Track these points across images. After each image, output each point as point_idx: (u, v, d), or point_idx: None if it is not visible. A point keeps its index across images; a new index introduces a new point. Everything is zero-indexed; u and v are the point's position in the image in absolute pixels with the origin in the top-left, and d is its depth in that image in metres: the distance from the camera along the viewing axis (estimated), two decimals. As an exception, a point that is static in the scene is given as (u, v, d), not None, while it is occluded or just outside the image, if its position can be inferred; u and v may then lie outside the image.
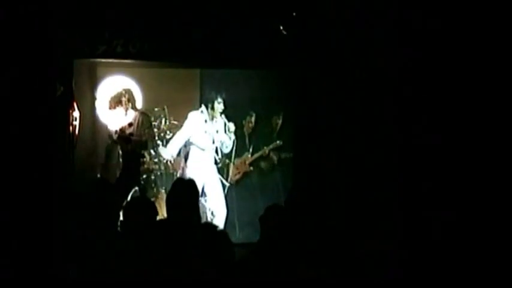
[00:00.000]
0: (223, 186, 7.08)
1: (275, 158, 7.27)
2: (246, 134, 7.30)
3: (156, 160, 7.09)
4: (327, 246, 3.79)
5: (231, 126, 6.85)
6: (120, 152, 6.43)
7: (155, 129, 6.96)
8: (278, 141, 7.20)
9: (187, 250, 3.45)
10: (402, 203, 5.03)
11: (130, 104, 6.46)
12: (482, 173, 4.47)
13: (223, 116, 6.85)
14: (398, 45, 5.16)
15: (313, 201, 4.10)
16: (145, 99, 6.88)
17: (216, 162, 7.00)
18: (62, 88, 5.40)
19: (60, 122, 5.38)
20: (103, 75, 6.63)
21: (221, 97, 6.75)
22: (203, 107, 6.84)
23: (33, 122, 4.74)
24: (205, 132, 6.83)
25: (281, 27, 5.86)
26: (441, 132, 4.78)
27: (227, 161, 7.26)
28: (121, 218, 4.14)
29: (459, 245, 4.38)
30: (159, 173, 7.10)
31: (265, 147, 7.24)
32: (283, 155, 7.20)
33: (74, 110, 5.67)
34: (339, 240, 3.89)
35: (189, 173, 6.84)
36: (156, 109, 6.98)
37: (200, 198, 6.77)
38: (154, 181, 6.99)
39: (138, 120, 6.40)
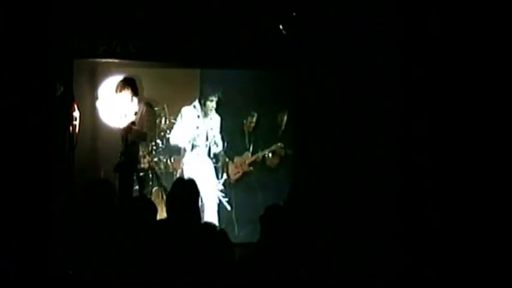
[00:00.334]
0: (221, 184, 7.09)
1: (276, 157, 7.27)
2: (247, 133, 7.29)
3: (156, 159, 7.09)
4: (327, 246, 3.80)
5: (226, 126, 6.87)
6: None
7: (155, 128, 6.97)
8: (279, 144, 7.19)
9: (187, 250, 3.46)
10: (402, 203, 5.03)
11: (134, 92, 6.41)
12: (482, 173, 4.47)
13: (216, 114, 6.85)
14: (399, 44, 5.17)
15: (313, 201, 4.10)
16: (146, 99, 6.87)
17: (212, 159, 7.01)
18: (62, 88, 5.40)
19: (60, 122, 5.37)
20: (103, 75, 6.62)
21: (215, 95, 6.76)
22: (196, 102, 6.85)
23: (33, 122, 4.73)
24: (197, 128, 6.83)
25: (281, 27, 5.86)
26: (442, 132, 4.79)
27: (226, 159, 7.26)
28: (121, 217, 4.15)
29: (459, 246, 4.39)
30: (159, 172, 7.10)
31: (262, 151, 7.24)
32: (284, 155, 7.20)
33: (74, 110, 5.66)
34: (338, 240, 3.90)
35: (185, 172, 6.86)
36: (156, 108, 6.98)
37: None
38: (152, 179, 6.99)
39: (142, 110, 6.38)
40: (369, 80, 5.65)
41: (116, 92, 6.24)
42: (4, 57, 4.73)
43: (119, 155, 6.13)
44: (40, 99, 4.76)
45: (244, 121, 7.22)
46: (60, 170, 5.14)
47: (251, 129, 7.26)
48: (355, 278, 3.66)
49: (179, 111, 6.91)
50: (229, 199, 7.15)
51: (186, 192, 4.02)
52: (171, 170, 7.14)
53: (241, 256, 3.71)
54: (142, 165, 6.72)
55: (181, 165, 7.00)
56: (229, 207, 7.09)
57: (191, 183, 4.21)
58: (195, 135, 6.86)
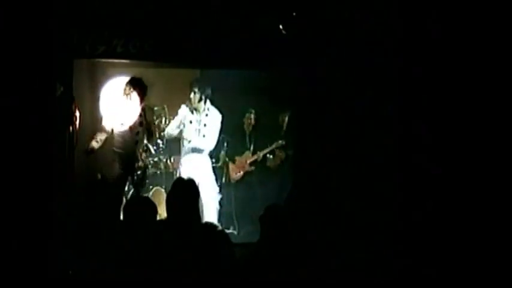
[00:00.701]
0: (218, 183, 7.08)
1: (277, 157, 7.27)
2: (247, 132, 7.30)
3: (156, 159, 7.10)
4: (327, 246, 3.80)
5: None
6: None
7: (156, 128, 6.98)
8: (280, 141, 7.19)
9: (187, 250, 3.46)
10: (402, 203, 5.03)
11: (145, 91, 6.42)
12: (482, 172, 4.47)
13: (215, 111, 6.86)
14: (399, 44, 5.17)
15: (313, 201, 4.11)
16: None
17: (212, 159, 7.01)
18: (62, 88, 5.40)
19: (60, 122, 5.38)
20: (103, 75, 6.63)
21: (196, 86, 6.73)
22: (187, 101, 6.83)
23: (33, 122, 4.73)
24: (191, 122, 6.80)
25: (281, 27, 5.85)
26: (442, 132, 4.79)
27: (226, 159, 7.26)
28: (121, 217, 4.15)
29: (459, 247, 4.39)
30: (158, 172, 7.11)
31: (262, 150, 7.24)
32: (285, 155, 7.20)
33: (74, 110, 5.67)
34: (338, 240, 3.91)
35: (182, 170, 6.85)
36: (156, 108, 6.98)
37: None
38: (148, 178, 7.01)
39: (145, 112, 6.41)
40: (369, 80, 5.64)
41: (124, 93, 6.25)
42: (4, 57, 4.73)
43: (127, 155, 6.17)
44: (40, 99, 4.76)
45: (244, 120, 7.22)
46: (60, 170, 5.15)
47: (251, 128, 7.26)
48: (355, 277, 3.67)
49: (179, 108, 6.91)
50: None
51: (186, 192, 4.02)
52: (171, 170, 7.15)
53: (241, 256, 3.71)
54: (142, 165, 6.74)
55: (179, 163, 7.00)
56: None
57: (191, 183, 4.21)
58: (187, 130, 6.83)
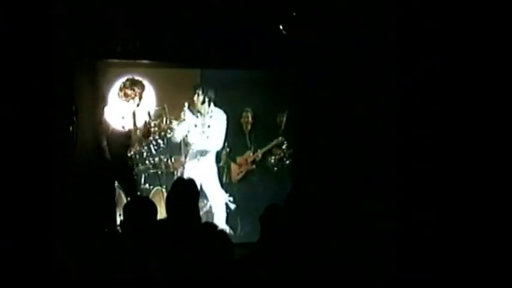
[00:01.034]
0: (223, 184, 7.10)
1: (278, 154, 7.27)
2: (246, 131, 7.31)
3: (156, 159, 7.10)
4: (327, 246, 3.80)
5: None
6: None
7: (156, 128, 6.98)
8: (280, 138, 7.19)
9: (187, 250, 3.46)
10: (403, 203, 5.03)
11: (141, 95, 6.44)
12: (482, 173, 4.46)
13: (220, 111, 6.85)
14: (399, 44, 5.16)
15: (313, 201, 4.11)
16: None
17: (217, 160, 7.04)
18: (62, 88, 5.40)
19: (60, 122, 5.37)
20: (103, 75, 6.62)
21: (200, 88, 6.79)
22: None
23: (33, 122, 4.73)
24: (195, 126, 6.85)
25: (281, 27, 5.85)
26: (442, 132, 4.78)
27: (228, 159, 7.27)
28: (121, 217, 4.15)
29: (458, 247, 4.38)
30: (159, 172, 7.11)
31: (262, 149, 7.25)
32: (285, 155, 7.21)
33: (74, 110, 5.67)
34: (339, 240, 3.90)
35: (187, 169, 6.91)
36: (156, 108, 6.99)
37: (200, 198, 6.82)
38: (148, 178, 7.03)
39: (143, 114, 6.43)
40: (369, 80, 5.64)
41: (122, 93, 6.27)
42: (4, 57, 4.73)
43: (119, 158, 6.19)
44: (40, 99, 4.76)
45: (241, 119, 7.24)
46: (61, 170, 5.15)
47: (249, 126, 7.27)
48: (355, 278, 3.66)
49: (181, 111, 6.93)
50: (233, 199, 7.17)
51: (186, 192, 4.03)
52: (171, 170, 7.16)
53: (241, 256, 3.71)
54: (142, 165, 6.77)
55: (182, 165, 7.03)
56: (233, 207, 7.12)
57: (191, 183, 4.21)
58: (192, 134, 6.87)
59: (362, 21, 5.53)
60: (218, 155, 7.14)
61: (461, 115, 4.60)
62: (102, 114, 6.25)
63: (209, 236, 3.57)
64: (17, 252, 4.32)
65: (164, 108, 7.03)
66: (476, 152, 4.50)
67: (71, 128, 5.59)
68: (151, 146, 7.07)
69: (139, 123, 6.42)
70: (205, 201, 6.92)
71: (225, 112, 6.91)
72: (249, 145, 7.32)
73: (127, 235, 3.82)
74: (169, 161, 7.17)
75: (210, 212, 6.97)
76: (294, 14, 5.75)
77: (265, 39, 5.95)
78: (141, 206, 3.97)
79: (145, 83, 6.66)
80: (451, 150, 4.67)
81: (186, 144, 6.96)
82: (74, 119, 5.65)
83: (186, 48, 5.99)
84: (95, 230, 4.68)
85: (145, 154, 7.06)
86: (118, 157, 6.24)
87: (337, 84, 5.91)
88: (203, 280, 3.28)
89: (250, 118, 7.24)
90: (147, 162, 7.09)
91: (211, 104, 6.85)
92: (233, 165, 7.29)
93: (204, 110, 6.84)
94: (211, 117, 6.89)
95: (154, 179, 7.08)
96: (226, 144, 7.18)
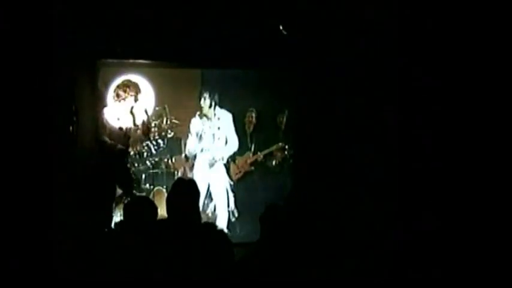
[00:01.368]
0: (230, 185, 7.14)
1: (278, 157, 7.27)
2: (248, 132, 7.30)
3: (157, 159, 7.10)
4: (327, 246, 3.79)
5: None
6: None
7: (156, 128, 6.99)
8: (280, 144, 7.20)
9: (187, 250, 3.46)
10: (403, 202, 5.03)
11: (136, 97, 6.44)
12: (482, 174, 4.46)
13: (226, 112, 6.87)
14: (399, 44, 5.16)
15: (313, 201, 4.10)
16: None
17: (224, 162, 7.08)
18: (62, 88, 5.40)
19: (60, 122, 5.38)
20: (103, 75, 6.62)
21: (206, 92, 6.82)
22: (199, 111, 6.94)
23: (33, 122, 4.74)
24: (205, 133, 6.89)
25: (281, 27, 5.85)
26: (442, 131, 4.78)
27: (228, 159, 7.26)
28: (121, 217, 4.15)
29: (458, 247, 4.38)
30: (160, 172, 7.11)
31: (263, 151, 7.26)
32: (285, 155, 7.20)
33: (74, 110, 5.67)
34: (338, 240, 3.90)
35: (195, 173, 6.95)
36: (157, 108, 7.00)
37: (206, 200, 6.83)
38: (148, 178, 7.04)
39: (141, 115, 6.43)
40: (369, 80, 5.64)
41: (118, 94, 6.27)
42: (4, 57, 4.73)
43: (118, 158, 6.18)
44: (40, 99, 4.77)
45: (245, 119, 7.23)
46: (61, 170, 5.15)
47: (252, 127, 7.27)
48: (355, 277, 3.66)
49: (187, 119, 7.00)
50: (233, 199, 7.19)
51: (186, 193, 4.02)
52: (172, 170, 7.16)
53: (241, 256, 3.71)
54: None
55: (182, 165, 7.04)
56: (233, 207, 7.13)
57: (192, 183, 4.21)
58: (203, 140, 6.92)
59: (362, 21, 5.53)
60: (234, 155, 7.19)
61: (461, 115, 4.60)
62: (102, 115, 6.25)
63: (209, 236, 3.56)
64: (16, 252, 4.32)
65: (164, 108, 7.03)
66: (476, 152, 4.50)
67: (71, 128, 5.59)
68: (152, 146, 7.07)
69: (138, 123, 6.40)
70: (210, 203, 6.94)
71: (230, 111, 6.96)
72: (249, 146, 7.32)
73: (127, 235, 3.81)
74: (169, 161, 7.17)
75: (213, 213, 6.99)
76: (294, 14, 5.75)
77: (266, 39, 5.96)
78: (141, 205, 3.96)
79: (145, 83, 6.66)
80: (451, 150, 4.67)
81: (202, 150, 6.98)
82: (74, 119, 5.65)
83: (186, 48, 6.00)
84: (95, 230, 4.68)
85: (145, 154, 7.06)
86: (117, 157, 6.23)
87: (337, 84, 5.91)
88: (203, 280, 3.27)
89: (254, 118, 7.24)
90: (147, 162, 7.09)
91: (217, 106, 6.90)
92: (232, 165, 7.28)
93: (211, 114, 6.89)
94: (218, 119, 6.95)
95: (154, 179, 7.08)
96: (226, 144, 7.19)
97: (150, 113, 6.65)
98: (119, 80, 6.47)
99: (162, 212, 4.12)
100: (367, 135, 5.66)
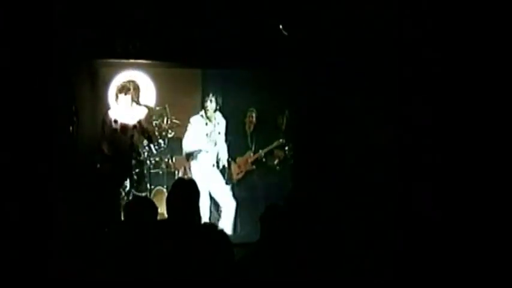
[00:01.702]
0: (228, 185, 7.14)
1: (278, 156, 7.27)
2: (248, 132, 7.31)
3: (157, 159, 7.11)
4: (327, 246, 3.79)
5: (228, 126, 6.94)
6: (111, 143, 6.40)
7: (156, 128, 6.99)
8: (281, 140, 7.20)
9: (187, 250, 3.46)
10: (403, 202, 5.03)
11: (134, 96, 6.45)
12: (482, 174, 4.46)
13: (222, 117, 6.89)
14: (398, 45, 5.16)
15: (313, 200, 4.10)
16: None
17: (217, 165, 7.07)
18: (62, 88, 5.41)
19: (60, 122, 5.39)
20: (103, 75, 6.63)
21: (213, 95, 6.82)
22: (202, 111, 6.93)
23: (33, 122, 4.75)
24: (207, 135, 6.90)
25: (281, 27, 5.85)
26: (443, 130, 4.78)
27: (229, 159, 7.26)
28: (121, 217, 4.14)
29: (458, 247, 4.38)
30: (160, 172, 7.12)
31: (263, 149, 7.26)
32: (285, 155, 7.21)
33: (74, 110, 5.68)
34: (338, 240, 3.90)
35: (194, 176, 6.91)
36: (157, 108, 7.00)
37: (209, 203, 6.84)
38: (149, 178, 7.04)
39: (142, 114, 6.43)
40: (368, 80, 5.64)
41: (117, 95, 6.28)
42: (4, 57, 4.74)
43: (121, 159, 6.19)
44: (40, 99, 4.78)
45: (245, 119, 7.24)
46: (61, 170, 5.16)
47: (252, 127, 7.27)
48: (355, 278, 3.66)
49: (188, 119, 6.98)
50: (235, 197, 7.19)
51: (186, 193, 4.02)
52: (172, 170, 7.16)
53: (241, 256, 3.71)
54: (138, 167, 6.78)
55: (183, 165, 7.04)
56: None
57: (192, 183, 4.21)
58: (205, 143, 6.92)
59: (362, 21, 5.53)
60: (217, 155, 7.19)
61: (461, 115, 4.60)
62: (103, 117, 6.25)
63: (209, 236, 3.56)
64: (16, 252, 4.32)
65: (165, 108, 7.03)
66: (476, 153, 4.50)
67: (71, 128, 5.60)
68: (152, 145, 7.07)
69: (137, 124, 6.41)
70: (212, 205, 6.95)
71: (225, 117, 6.96)
72: (250, 145, 7.32)
73: (127, 235, 3.81)
74: (170, 160, 7.17)
75: (217, 215, 7.00)
76: (294, 14, 5.75)
77: (266, 39, 5.96)
78: (141, 206, 3.96)
79: (145, 80, 6.67)
80: (451, 149, 4.67)
81: (201, 151, 6.98)
82: (74, 119, 5.66)
83: (186, 48, 6.00)
84: (95, 230, 4.68)
85: (146, 154, 7.06)
86: (118, 157, 6.24)
87: (337, 85, 5.91)
88: (203, 280, 3.27)
89: (254, 118, 7.25)
90: (147, 162, 7.09)
91: (217, 111, 6.93)
92: (233, 165, 7.29)
93: (213, 117, 6.90)
94: (218, 123, 6.95)
95: (155, 179, 7.08)
96: (227, 143, 7.19)
97: (150, 113, 6.66)
98: (119, 79, 6.46)
99: (163, 212, 4.13)
100: (367, 135, 5.66)
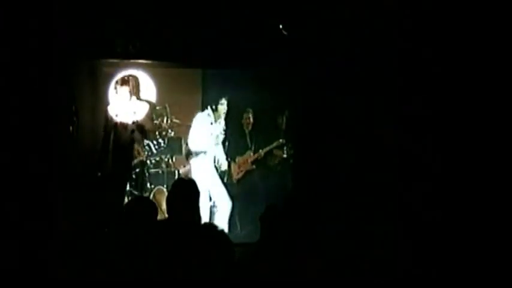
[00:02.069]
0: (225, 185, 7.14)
1: (278, 156, 7.28)
2: (247, 132, 7.31)
3: (157, 158, 7.11)
4: (327, 246, 3.79)
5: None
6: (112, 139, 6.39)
7: (156, 128, 7.00)
8: (281, 140, 7.21)
9: (187, 250, 3.46)
10: (404, 202, 5.03)
11: (134, 90, 6.44)
12: (482, 174, 4.46)
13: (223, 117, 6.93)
14: (399, 45, 5.16)
15: (313, 200, 4.10)
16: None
17: (216, 166, 7.08)
18: (62, 88, 5.41)
19: (60, 122, 5.39)
20: (103, 75, 6.63)
21: (225, 98, 6.83)
22: (209, 110, 6.91)
23: (33, 122, 4.75)
24: (211, 134, 6.90)
25: (281, 27, 5.85)
26: (443, 130, 4.78)
27: (229, 159, 7.27)
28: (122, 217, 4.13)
29: (458, 247, 4.38)
30: (160, 171, 7.12)
31: (263, 149, 7.26)
32: (285, 154, 7.21)
33: (74, 110, 5.68)
34: (338, 240, 3.90)
35: (194, 174, 6.91)
36: (157, 107, 7.00)
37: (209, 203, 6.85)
38: (150, 177, 7.03)
39: (143, 109, 6.43)
40: (368, 79, 5.64)
41: (116, 88, 6.28)
42: (5, 57, 4.74)
43: (123, 154, 6.18)
44: (40, 99, 4.78)
45: (242, 120, 7.25)
46: (61, 170, 5.16)
47: (250, 127, 7.27)
48: (355, 278, 3.66)
49: (188, 119, 6.99)
50: (232, 198, 7.18)
51: (186, 193, 4.02)
52: (172, 169, 7.17)
53: (241, 256, 3.70)
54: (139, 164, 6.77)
55: (183, 164, 7.04)
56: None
57: (192, 183, 4.21)
58: (209, 142, 6.93)
59: (362, 21, 5.53)
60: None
61: (461, 116, 4.60)
62: (104, 113, 6.25)
63: (209, 236, 3.56)
64: (16, 252, 4.32)
65: (165, 108, 7.04)
66: (476, 153, 4.50)
67: (71, 128, 5.59)
68: (152, 145, 7.07)
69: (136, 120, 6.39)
70: (211, 203, 6.95)
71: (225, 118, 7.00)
72: (249, 145, 7.32)
73: (127, 235, 3.81)
74: (170, 160, 7.17)
75: (213, 213, 7.00)
76: (294, 14, 5.75)
77: (266, 39, 5.96)
78: (141, 206, 3.96)
79: (146, 78, 6.68)
80: (450, 150, 4.67)
81: (204, 152, 6.98)
82: (74, 119, 5.66)
83: (186, 48, 6.00)
84: (95, 230, 4.67)
85: (146, 153, 7.07)
86: (119, 154, 6.23)
87: (337, 84, 5.91)
88: (203, 280, 3.27)
89: (251, 119, 7.25)
90: (148, 161, 7.09)
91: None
92: (233, 165, 7.29)
93: (221, 118, 6.91)
94: (219, 123, 6.96)
95: (155, 179, 7.09)
96: (227, 144, 7.19)
97: (151, 109, 6.66)
98: (119, 76, 6.46)
99: (163, 211, 4.13)
100: (366, 135, 5.66)
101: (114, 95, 6.39)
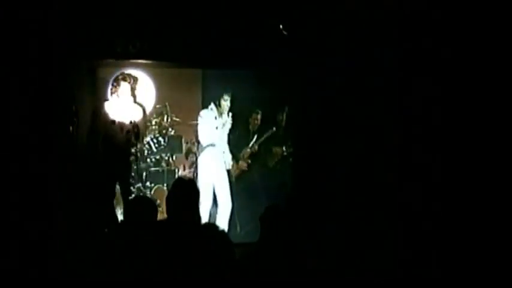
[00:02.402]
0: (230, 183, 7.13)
1: (278, 155, 7.28)
2: (251, 131, 7.31)
3: (157, 157, 7.11)
4: (327, 246, 3.80)
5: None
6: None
7: (156, 126, 7.00)
8: (274, 128, 7.19)
9: (187, 250, 3.46)
10: (404, 202, 5.03)
11: (132, 92, 6.41)
12: (482, 174, 4.46)
13: (230, 115, 6.90)
14: (399, 44, 5.16)
15: (313, 200, 4.11)
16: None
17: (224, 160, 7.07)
18: (62, 88, 5.40)
19: (60, 122, 5.39)
20: (103, 75, 6.63)
21: (227, 94, 6.81)
22: (212, 105, 6.89)
23: (33, 123, 4.75)
24: (216, 128, 6.88)
25: (281, 27, 5.85)
26: (443, 129, 4.78)
27: (232, 158, 7.27)
28: (121, 217, 4.15)
29: (458, 247, 4.38)
30: (160, 170, 7.12)
31: (253, 143, 7.26)
32: (285, 154, 7.21)
33: (74, 110, 5.67)
34: (338, 240, 3.90)
35: (200, 170, 6.89)
36: (158, 106, 7.01)
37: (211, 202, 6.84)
38: (149, 176, 7.03)
39: (138, 112, 6.41)
40: (368, 79, 5.64)
41: (111, 90, 6.27)
42: (5, 57, 4.74)
43: (119, 155, 6.17)
44: (40, 99, 4.77)
45: (249, 119, 7.24)
46: (61, 170, 5.16)
47: (256, 127, 7.28)
48: (355, 277, 3.67)
49: (194, 115, 6.96)
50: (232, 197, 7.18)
51: (186, 192, 4.02)
52: (172, 168, 7.17)
53: (241, 256, 3.71)
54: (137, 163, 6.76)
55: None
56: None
57: (192, 183, 4.21)
58: (215, 136, 6.91)
59: (362, 21, 5.53)
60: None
61: (461, 116, 4.59)
62: (100, 112, 6.22)
63: (209, 236, 3.56)
64: (16, 252, 4.33)
65: (165, 106, 7.04)
66: (476, 153, 4.50)
67: (71, 128, 5.59)
68: (152, 143, 7.08)
69: (135, 120, 6.37)
70: (211, 203, 6.94)
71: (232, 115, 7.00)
72: (249, 143, 7.33)
73: (127, 234, 3.81)
74: (170, 158, 7.17)
75: (214, 212, 6.99)
76: (295, 14, 5.75)
77: (266, 39, 5.96)
78: (142, 205, 3.96)
79: (145, 78, 6.67)
80: (450, 150, 4.67)
81: (212, 145, 6.96)
82: (74, 119, 5.65)
83: (186, 48, 6.00)
84: (95, 230, 4.68)
85: (146, 152, 7.07)
86: (115, 156, 6.21)
87: (337, 84, 5.91)
88: (203, 280, 3.27)
89: (259, 120, 7.26)
90: (148, 160, 7.10)
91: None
92: (234, 164, 7.30)
93: (224, 114, 6.90)
94: (226, 121, 6.95)
95: (155, 177, 7.09)
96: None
97: (149, 109, 6.64)
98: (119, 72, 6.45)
99: (163, 209, 4.13)
100: (367, 134, 5.66)
101: (112, 93, 6.36)
